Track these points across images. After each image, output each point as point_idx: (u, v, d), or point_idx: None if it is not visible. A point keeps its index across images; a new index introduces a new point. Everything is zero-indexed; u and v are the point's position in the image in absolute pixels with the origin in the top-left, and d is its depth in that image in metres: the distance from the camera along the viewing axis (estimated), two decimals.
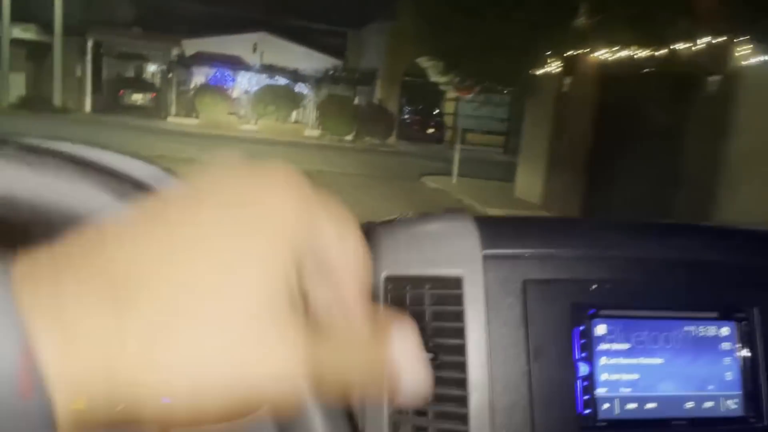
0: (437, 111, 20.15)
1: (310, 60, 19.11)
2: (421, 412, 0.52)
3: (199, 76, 18.92)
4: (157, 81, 19.77)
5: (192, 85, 18.39)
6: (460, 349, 0.52)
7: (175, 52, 19.05)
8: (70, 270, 0.15)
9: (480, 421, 0.51)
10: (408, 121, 19.44)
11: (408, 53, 18.54)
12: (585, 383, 0.52)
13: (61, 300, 0.15)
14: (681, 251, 0.57)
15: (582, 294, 0.54)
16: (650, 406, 0.53)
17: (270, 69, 18.45)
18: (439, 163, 10.90)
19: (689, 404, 0.54)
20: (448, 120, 20.06)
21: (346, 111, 16.05)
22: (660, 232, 0.60)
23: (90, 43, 17.66)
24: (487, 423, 0.51)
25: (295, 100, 16.98)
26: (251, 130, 16.91)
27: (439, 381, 0.53)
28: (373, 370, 0.20)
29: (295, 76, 18.31)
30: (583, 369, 0.52)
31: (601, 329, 0.53)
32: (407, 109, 19.33)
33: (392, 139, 17.39)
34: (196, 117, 16.93)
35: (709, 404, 0.54)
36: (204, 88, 17.13)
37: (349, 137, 16.58)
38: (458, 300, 0.52)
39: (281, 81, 18.29)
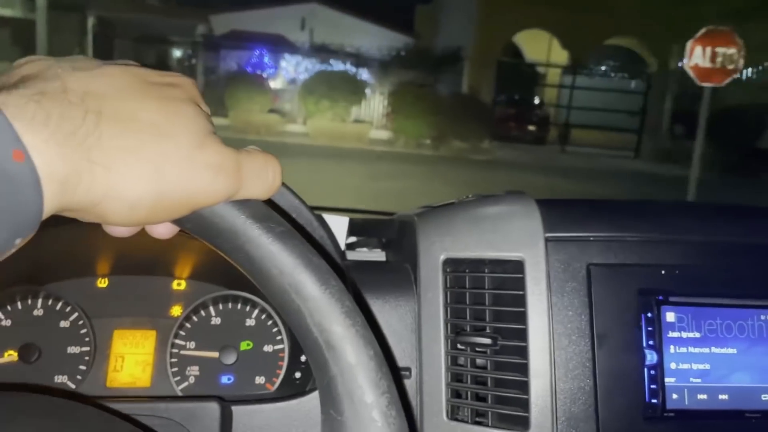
0: (537, 101, 19.50)
1: (373, 37, 19.02)
2: (481, 397, 0.72)
3: (231, 61, 18.49)
4: (178, 69, 21.21)
5: (222, 74, 18.06)
6: (522, 334, 0.70)
7: (200, 31, 19.14)
8: (52, 91, 0.32)
9: (541, 406, 0.69)
10: (502, 116, 18.83)
11: (510, 24, 18.31)
12: (652, 372, 0.69)
13: (37, 107, 0.31)
14: (756, 235, 0.72)
15: (650, 279, 0.71)
16: (722, 397, 0.69)
17: (323, 50, 18.33)
18: (555, 179, 10.55)
19: (765, 396, 0.69)
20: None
21: (424, 104, 14.94)
22: (734, 215, 0.76)
23: (91, 22, 17.51)
24: (548, 409, 0.68)
25: (357, 91, 16.21)
26: (298, 133, 16.36)
27: (499, 366, 0.72)
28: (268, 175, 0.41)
29: (356, 59, 18.09)
30: (650, 357, 0.70)
31: (670, 316, 0.71)
32: (499, 99, 19.29)
33: (486, 142, 16.75)
34: (225, 116, 17.29)
35: None
36: (236, 78, 16.49)
37: (428, 140, 15.49)
38: (519, 284, 0.71)
39: (337, 66, 17.93)
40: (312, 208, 0.70)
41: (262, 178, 0.40)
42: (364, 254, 0.93)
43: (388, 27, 20.50)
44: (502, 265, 0.71)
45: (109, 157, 0.33)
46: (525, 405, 0.68)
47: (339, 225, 0.86)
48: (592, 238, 0.70)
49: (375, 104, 17.77)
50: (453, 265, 0.73)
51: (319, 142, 14.98)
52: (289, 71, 19.32)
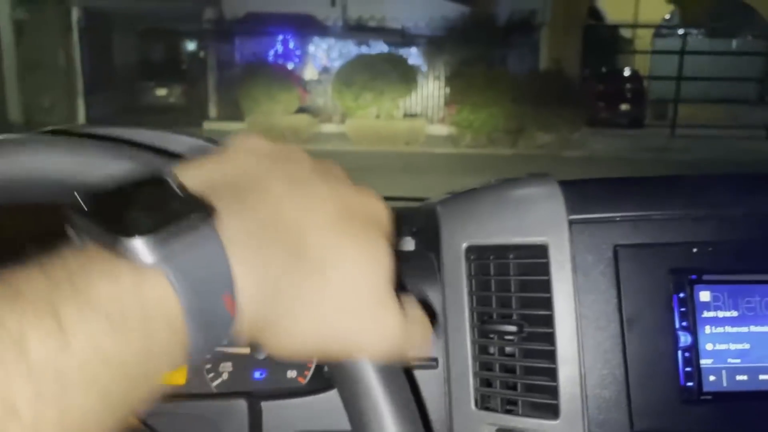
0: (630, 73, 18.55)
1: (419, 8, 17.63)
2: (510, 386, 0.89)
3: (248, 51, 17.98)
4: (188, 64, 20.25)
5: (237, 68, 17.33)
6: (548, 320, 0.86)
7: (209, 15, 18.42)
8: (254, 224, 0.37)
9: (571, 393, 0.84)
10: (590, 95, 17.37)
11: None
12: (687, 354, 0.84)
13: (253, 250, 0.37)
14: None
15: (681, 258, 0.86)
16: (764, 377, 0.83)
17: (360, 29, 17.81)
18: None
19: None
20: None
21: (493, 88, 13.84)
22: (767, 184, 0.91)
23: (76, 15, 16.79)
24: (578, 396, 0.84)
25: (406, 78, 15.31)
26: (334, 134, 15.14)
27: (527, 353, 0.88)
28: (420, 336, 0.49)
29: (402, 36, 17.25)
30: (684, 339, 0.85)
31: (704, 296, 0.86)
32: (586, 74, 18.10)
33: (577, 132, 15.00)
34: (241, 120, 15.42)
35: None
36: (254, 72, 15.76)
37: (502, 134, 13.99)
38: (544, 269, 0.87)
39: (379, 48, 17.26)
40: None
41: (414, 344, 0.47)
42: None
43: None
44: (526, 251, 0.87)
45: (297, 300, 0.39)
46: (554, 392, 0.83)
47: None
48: (618, 219, 0.86)
49: (430, 92, 16.89)
50: (476, 253, 0.89)
51: (362, 145, 14.08)
52: (320, 58, 18.79)
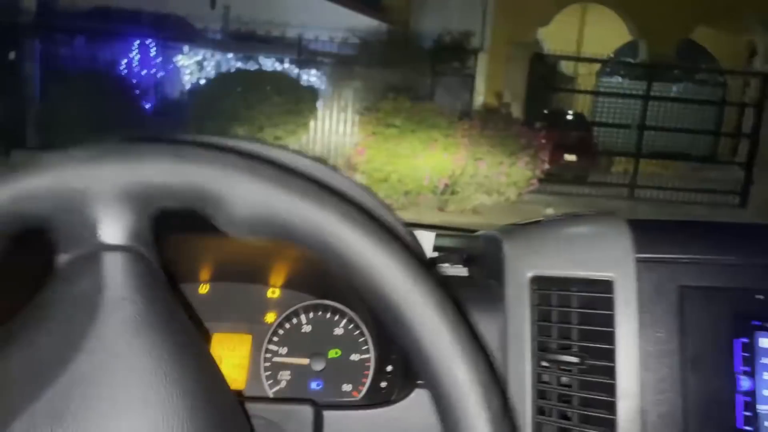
0: (572, 114, 18.78)
1: (322, 16, 16.36)
2: (565, 416, 1.00)
3: (88, 57, 15.27)
4: None
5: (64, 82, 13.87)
6: (609, 354, 0.98)
7: (30, 4, 15.03)
8: None
9: (629, 429, 0.96)
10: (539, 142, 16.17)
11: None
12: (746, 399, 0.95)
13: None
14: None
15: (746, 304, 0.97)
16: None
17: (244, 38, 16.15)
18: None
19: None
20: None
21: (422, 128, 11.93)
22: None
23: None
24: (637, 431, 0.96)
25: (300, 108, 13.71)
26: None
27: (585, 385, 1.00)
28: None
29: (299, 52, 15.78)
30: (744, 383, 0.95)
31: (765, 342, 0.96)
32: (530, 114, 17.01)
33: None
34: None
35: None
36: (88, 86, 13.56)
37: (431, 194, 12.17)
38: (608, 303, 1.00)
39: (271, 64, 16.00)
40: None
41: None
42: (447, 269, 1.25)
43: (345, 3, 17.43)
44: (590, 285, 1.02)
45: None
46: (611, 425, 0.97)
47: (426, 240, 1.20)
48: (684, 260, 1.00)
49: (334, 128, 15.36)
50: (540, 283, 1.04)
51: None
52: (189, 73, 16.53)
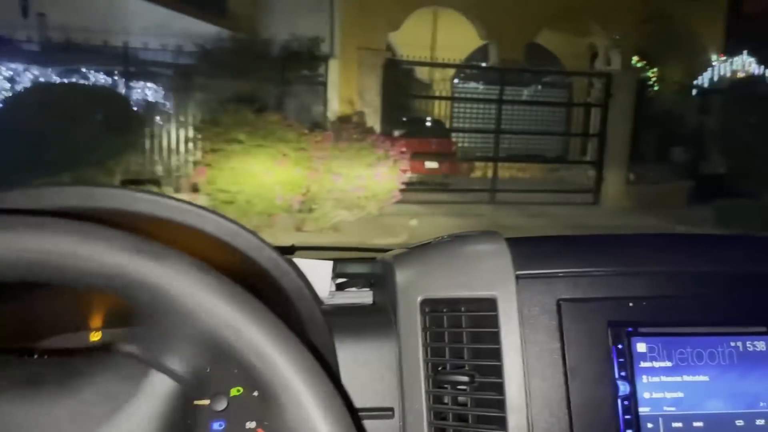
0: (431, 121, 19.52)
1: (148, 19, 15.93)
2: None
3: None
4: None
5: None
6: (497, 370, 1.04)
7: None
8: None
9: None
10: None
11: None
12: (626, 402, 1.01)
13: None
14: (722, 264, 1.04)
15: (619, 312, 1.04)
16: (697, 424, 0.99)
17: (63, 50, 14.89)
18: None
19: (739, 422, 0.98)
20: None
21: (268, 142, 11.41)
22: (699, 244, 1.08)
23: None
24: None
25: (124, 126, 12.99)
26: None
27: (478, 402, 1.05)
28: None
29: (126, 61, 14.87)
30: (623, 388, 1.01)
31: (640, 347, 1.02)
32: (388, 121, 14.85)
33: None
34: None
35: (761, 422, 0.99)
36: None
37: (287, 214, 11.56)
38: (494, 321, 1.05)
39: (96, 77, 14.89)
40: (298, 249, 1.12)
41: None
42: (351, 294, 1.31)
43: (182, 9, 17.02)
44: (476, 304, 1.08)
45: None
46: None
47: (322, 269, 1.26)
48: (560, 274, 1.07)
49: (174, 146, 14.71)
50: (430, 305, 1.11)
51: None
52: None
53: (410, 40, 19.37)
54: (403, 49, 19.38)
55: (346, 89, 16.29)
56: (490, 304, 1.10)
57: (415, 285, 1.14)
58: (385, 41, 17.16)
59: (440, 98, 19.23)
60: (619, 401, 1.06)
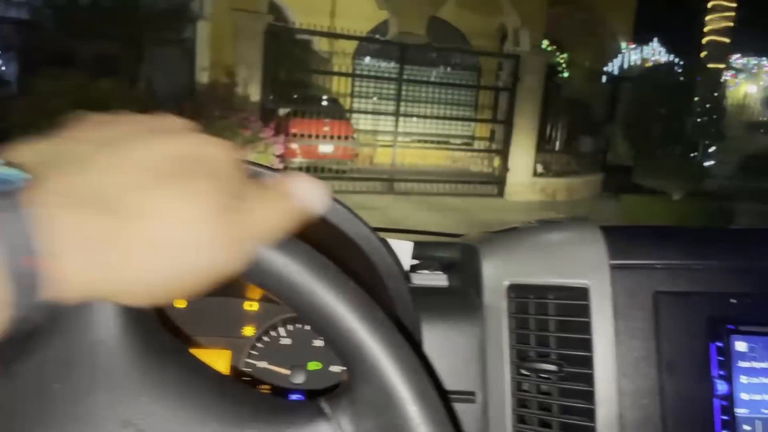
0: (328, 100, 18.35)
1: None
2: (545, 424, 1.05)
3: None
4: None
5: None
6: (587, 361, 1.03)
7: None
8: (68, 190, 0.53)
9: None
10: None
11: None
12: (723, 403, 0.99)
13: (67, 214, 0.53)
14: None
15: (720, 308, 1.02)
16: None
17: None
18: None
19: None
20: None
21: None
22: None
23: None
24: None
25: None
26: None
27: (564, 392, 1.05)
28: (283, 209, 0.63)
29: None
30: (721, 387, 1.00)
31: (740, 346, 1.00)
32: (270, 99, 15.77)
33: None
34: None
35: None
36: None
37: None
38: (584, 311, 1.05)
39: None
40: (376, 230, 1.11)
41: (277, 217, 0.62)
42: (426, 276, 1.33)
43: None
44: (566, 292, 1.08)
45: (121, 254, 0.53)
46: None
47: (404, 249, 1.27)
48: (658, 266, 1.06)
49: None
50: (517, 291, 1.11)
51: None
52: None
53: (307, 5, 18.74)
54: (298, 16, 18.28)
55: (218, 57, 14.95)
56: (582, 292, 1.10)
57: (502, 270, 1.16)
58: (267, 3, 15.47)
59: (332, 73, 17.73)
60: (716, 401, 1.05)
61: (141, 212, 0.56)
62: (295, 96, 16.72)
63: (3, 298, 0.51)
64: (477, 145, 19.36)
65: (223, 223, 0.60)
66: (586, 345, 1.08)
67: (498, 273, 1.15)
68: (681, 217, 12.71)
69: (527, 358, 1.11)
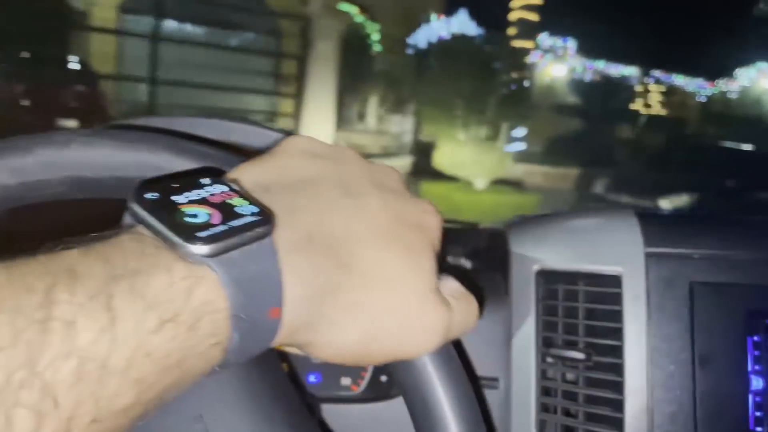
0: (79, 63, 14.81)
1: None
2: (569, 413, 1.05)
3: None
4: None
5: None
6: (617, 351, 1.04)
7: None
8: (304, 231, 0.54)
9: (636, 427, 1.03)
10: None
11: None
12: (758, 399, 0.99)
13: (302, 258, 0.53)
14: None
15: (758, 300, 1.02)
16: None
17: None
18: None
19: None
20: None
21: None
22: None
23: None
24: (644, 430, 1.03)
25: None
26: None
27: (591, 382, 1.06)
28: (472, 320, 0.66)
29: None
30: (756, 383, 0.99)
31: None
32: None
33: None
34: None
35: None
36: None
37: None
38: (616, 299, 1.06)
39: None
40: None
41: (464, 327, 0.63)
42: (448, 262, 1.29)
43: None
44: (598, 279, 1.08)
45: (340, 311, 0.53)
46: (619, 424, 1.04)
47: None
48: (696, 255, 1.06)
49: None
50: (546, 277, 1.12)
51: None
52: None
53: None
54: None
55: None
56: (614, 280, 1.12)
57: (531, 254, 1.18)
58: None
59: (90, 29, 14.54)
60: (751, 396, 1.06)
61: (372, 273, 0.58)
62: (28, 57, 14.13)
63: (223, 345, 0.51)
64: (280, 122, 17.97)
65: (435, 307, 0.64)
66: (617, 334, 1.10)
67: (527, 258, 1.18)
68: (487, 209, 12.39)
69: (554, 345, 1.14)
